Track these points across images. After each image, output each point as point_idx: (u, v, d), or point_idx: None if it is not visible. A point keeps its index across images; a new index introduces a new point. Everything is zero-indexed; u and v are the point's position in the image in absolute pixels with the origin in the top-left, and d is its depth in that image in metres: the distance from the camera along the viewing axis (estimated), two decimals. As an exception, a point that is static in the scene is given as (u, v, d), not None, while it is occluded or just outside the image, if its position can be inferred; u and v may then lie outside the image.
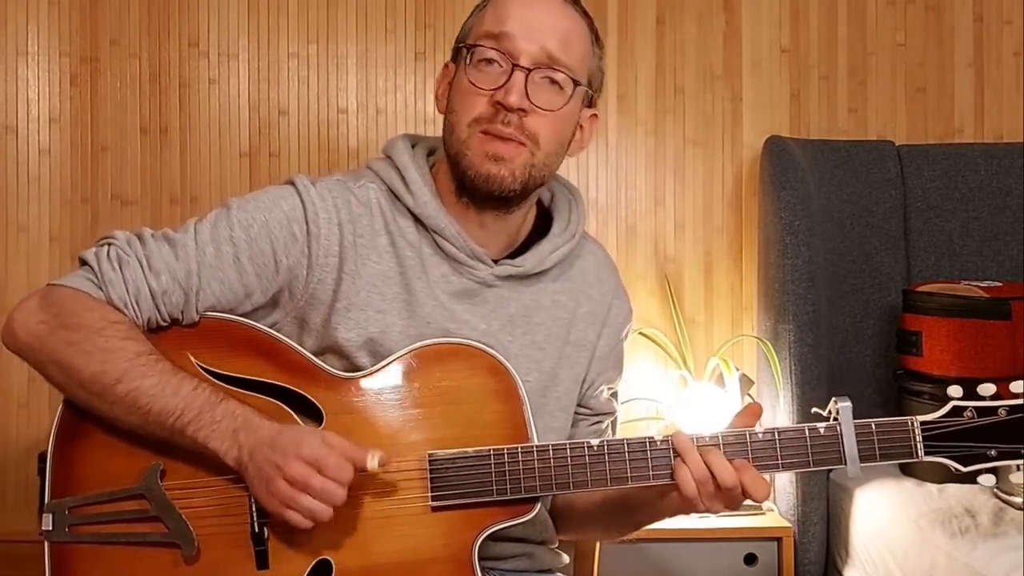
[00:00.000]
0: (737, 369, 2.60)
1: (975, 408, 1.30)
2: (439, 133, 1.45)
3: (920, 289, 2.53)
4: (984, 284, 2.51)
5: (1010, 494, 2.25)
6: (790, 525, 2.53)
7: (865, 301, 2.75)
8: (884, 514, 2.36)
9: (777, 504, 2.61)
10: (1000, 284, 2.54)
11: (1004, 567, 1.94)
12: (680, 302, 2.82)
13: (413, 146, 1.47)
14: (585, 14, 1.43)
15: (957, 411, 1.31)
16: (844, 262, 2.74)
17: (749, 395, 2.60)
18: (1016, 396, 1.30)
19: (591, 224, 2.83)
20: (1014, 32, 2.92)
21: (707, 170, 2.87)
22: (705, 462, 1.27)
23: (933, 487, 2.39)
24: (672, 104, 2.87)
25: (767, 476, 1.31)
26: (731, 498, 1.29)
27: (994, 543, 2.04)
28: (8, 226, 2.74)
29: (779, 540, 2.51)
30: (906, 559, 2.22)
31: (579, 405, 1.54)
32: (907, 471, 2.50)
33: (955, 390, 1.31)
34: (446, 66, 1.45)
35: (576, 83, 1.38)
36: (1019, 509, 2.20)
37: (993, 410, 1.30)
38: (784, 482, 2.57)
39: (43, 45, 2.75)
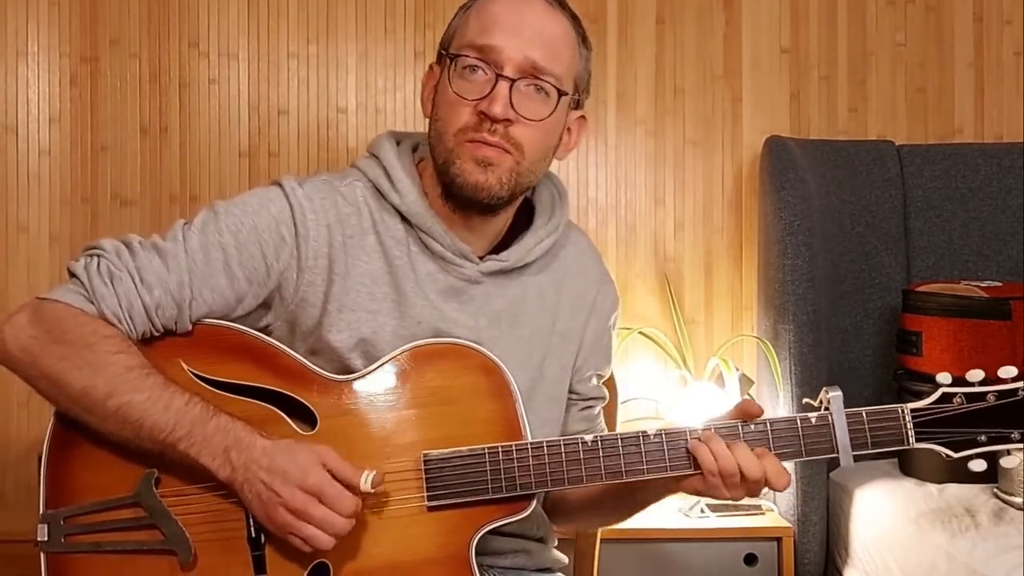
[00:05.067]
0: (737, 369, 2.60)
1: (964, 394, 1.31)
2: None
3: (920, 289, 2.53)
4: (984, 284, 2.51)
5: (1010, 494, 2.25)
6: (790, 525, 2.53)
7: (865, 301, 2.75)
8: (884, 514, 2.36)
9: (777, 504, 2.61)
10: (1000, 284, 2.53)
11: (1004, 567, 1.94)
12: (680, 302, 2.82)
13: (398, 143, 1.47)
14: (572, 16, 1.41)
15: (946, 398, 1.31)
16: (844, 262, 2.74)
17: (749, 395, 2.60)
18: (1004, 382, 1.31)
19: (591, 224, 2.83)
20: (1014, 32, 2.92)
21: (707, 170, 2.87)
22: (732, 453, 1.28)
23: (933, 487, 2.39)
24: (672, 104, 2.87)
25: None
26: (754, 488, 1.30)
27: (994, 543, 2.04)
28: (8, 226, 2.74)
29: (779, 540, 2.51)
30: (906, 559, 2.22)
31: (568, 390, 1.53)
32: (907, 471, 2.50)
33: (944, 377, 1.32)
34: (431, 68, 1.44)
35: (561, 93, 1.37)
36: (1019, 509, 2.20)
37: (982, 396, 1.31)
38: (784, 482, 2.57)
39: (43, 45, 2.75)
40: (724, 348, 2.73)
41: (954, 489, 2.36)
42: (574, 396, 1.54)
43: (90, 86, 2.76)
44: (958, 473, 2.39)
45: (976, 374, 1.31)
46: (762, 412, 1.35)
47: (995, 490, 2.31)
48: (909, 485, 2.42)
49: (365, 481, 1.24)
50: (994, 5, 2.92)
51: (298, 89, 2.80)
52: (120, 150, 2.77)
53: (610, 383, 1.73)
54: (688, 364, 2.73)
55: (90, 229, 2.75)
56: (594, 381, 1.56)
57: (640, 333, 2.74)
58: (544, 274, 1.49)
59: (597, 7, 2.84)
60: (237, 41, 2.79)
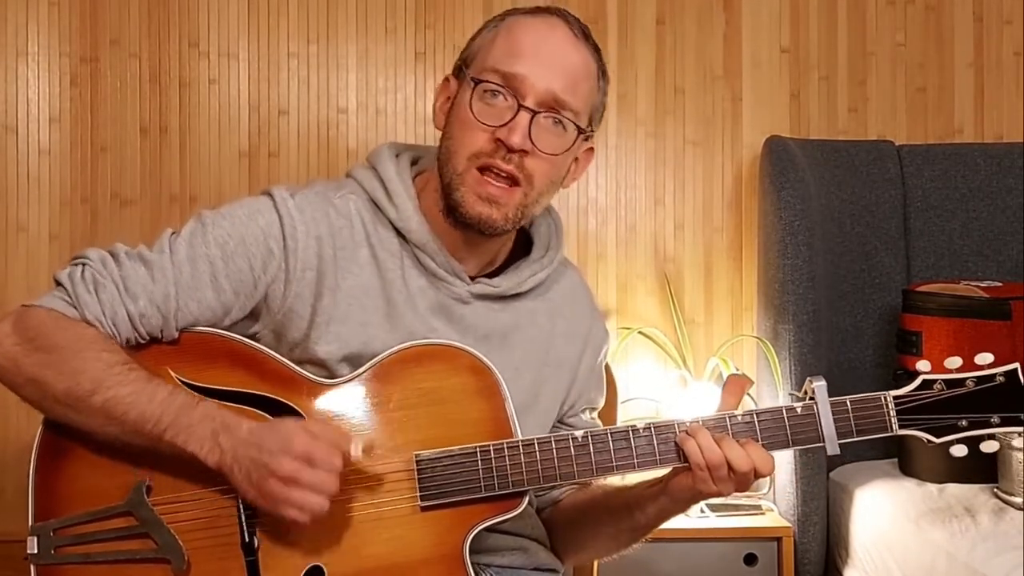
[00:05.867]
0: (737, 369, 2.60)
1: (944, 380, 1.33)
2: (439, 134, 1.43)
3: (920, 289, 2.53)
4: (984, 284, 2.51)
5: (1010, 494, 2.25)
6: (790, 525, 2.53)
7: (865, 301, 2.75)
8: (884, 514, 2.36)
9: (777, 504, 2.61)
10: (1000, 284, 2.53)
11: (1004, 567, 1.94)
12: (680, 302, 2.82)
13: (397, 155, 1.46)
14: (595, 48, 1.40)
15: (927, 384, 1.33)
16: (844, 262, 2.74)
17: (749, 395, 2.60)
18: (981, 368, 1.33)
19: (591, 224, 2.84)
20: (1014, 32, 2.92)
21: (707, 170, 2.87)
22: (719, 447, 1.28)
23: (933, 487, 2.39)
24: (672, 104, 2.87)
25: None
26: (744, 481, 1.30)
27: (994, 543, 2.04)
28: (8, 226, 2.74)
29: (779, 540, 2.51)
30: (906, 559, 2.22)
31: (560, 423, 1.53)
32: (907, 471, 2.50)
33: (924, 364, 1.34)
34: (446, 80, 1.42)
35: (580, 130, 1.37)
36: (1019, 509, 2.20)
37: (961, 382, 1.33)
38: (784, 482, 2.57)
39: (43, 45, 2.75)
40: (724, 348, 2.73)
41: (954, 489, 2.36)
42: (565, 429, 1.52)
43: (90, 86, 2.76)
44: (958, 473, 2.39)
45: (954, 361, 1.33)
46: (746, 382, 1.36)
47: (995, 490, 2.31)
48: (909, 485, 2.42)
49: (355, 448, 1.24)
50: (994, 5, 2.92)
51: (298, 89, 2.80)
52: (120, 150, 2.77)
53: (610, 383, 1.73)
54: (688, 364, 2.73)
55: (90, 229, 2.75)
56: (586, 416, 1.55)
57: (640, 333, 2.74)
58: (536, 303, 1.48)
59: (597, 7, 2.84)
60: (237, 41, 2.79)
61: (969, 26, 2.92)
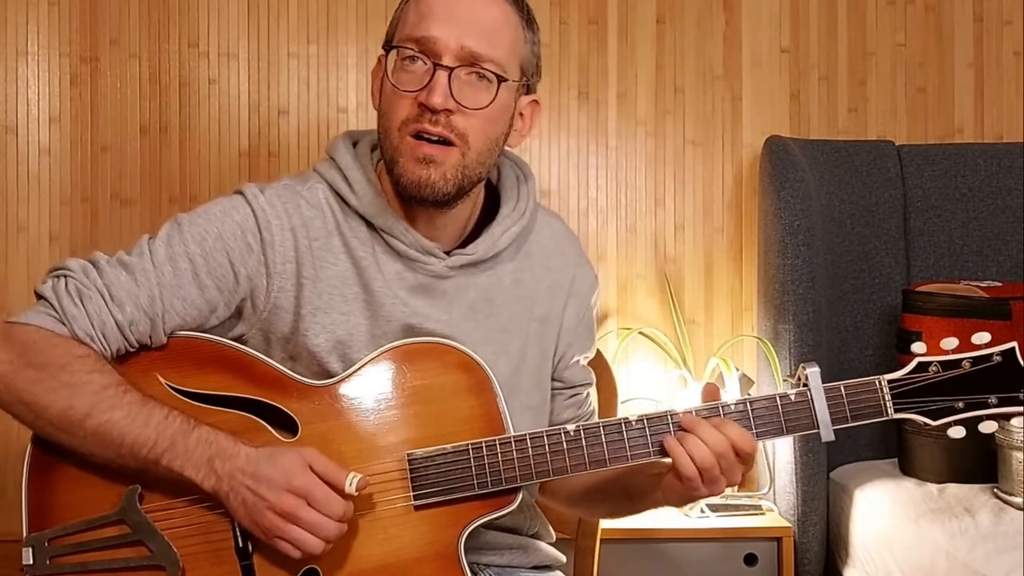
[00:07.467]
0: (737, 369, 2.60)
1: (940, 362, 1.32)
2: None
3: (920, 289, 2.53)
4: (984, 284, 2.51)
5: (1010, 494, 2.25)
6: (790, 525, 2.53)
7: (865, 301, 2.75)
8: (884, 514, 2.36)
9: (777, 504, 2.61)
10: (1000, 284, 2.53)
11: (1004, 567, 1.94)
12: (680, 302, 2.82)
13: (356, 143, 1.45)
14: (514, 1, 1.38)
15: (922, 367, 1.32)
16: (844, 262, 2.74)
17: (749, 395, 2.60)
18: (978, 348, 1.31)
19: (591, 224, 2.84)
20: (1014, 32, 2.92)
21: (707, 170, 2.87)
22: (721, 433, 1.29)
23: (933, 487, 2.39)
24: (672, 104, 2.87)
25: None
26: (747, 462, 1.30)
27: (994, 543, 2.03)
28: (8, 226, 2.74)
29: (779, 540, 2.51)
30: (906, 559, 2.22)
31: (553, 379, 1.53)
32: (907, 471, 2.50)
33: (919, 347, 1.33)
34: (379, 61, 1.42)
35: (501, 79, 1.34)
36: (1019, 509, 2.20)
37: (957, 363, 1.31)
38: (784, 482, 2.57)
39: (43, 45, 2.75)
40: (724, 348, 2.73)
41: (954, 489, 2.36)
42: (559, 384, 1.54)
43: (90, 86, 2.76)
44: (958, 473, 2.39)
45: (950, 342, 1.32)
46: (715, 390, 1.38)
47: (995, 490, 2.31)
48: (909, 485, 2.42)
49: (350, 484, 1.24)
50: (994, 5, 2.92)
51: (298, 89, 2.80)
52: (120, 150, 2.77)
53: (610, 383, 1.73)
54: (688, 364, 2.73)
55: (90, 229, 2.75)
56: (579, 367, 1.55)
57: (640, 333, 2.74)
58: (517, 261, 1.47)
59: (597, 7, 2.83)
60: (237, 41, 2.79)
61: (969, 26, 2.92)
